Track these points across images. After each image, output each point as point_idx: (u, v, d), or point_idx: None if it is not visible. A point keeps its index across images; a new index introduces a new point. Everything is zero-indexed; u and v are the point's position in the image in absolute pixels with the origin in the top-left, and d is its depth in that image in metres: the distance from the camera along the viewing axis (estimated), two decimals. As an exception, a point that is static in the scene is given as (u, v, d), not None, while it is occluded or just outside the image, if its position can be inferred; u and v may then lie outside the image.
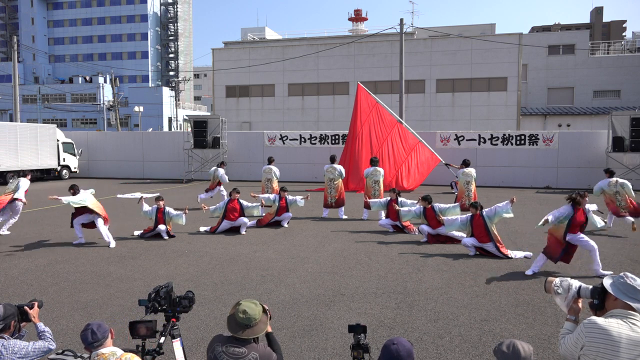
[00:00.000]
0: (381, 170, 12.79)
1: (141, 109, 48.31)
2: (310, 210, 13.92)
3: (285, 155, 22.34)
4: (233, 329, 2.77)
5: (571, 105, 36.02)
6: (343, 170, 13.23)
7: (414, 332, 5.18)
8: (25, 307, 3.23)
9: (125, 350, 2.85)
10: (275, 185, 13.35)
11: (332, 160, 13.72)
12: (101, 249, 9.08)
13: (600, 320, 2.44)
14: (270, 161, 14.06)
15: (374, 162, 12.87)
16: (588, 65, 36.09)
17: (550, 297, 6.22)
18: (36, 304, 3.30)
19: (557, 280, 2.78)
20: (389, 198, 10.93)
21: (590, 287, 2.65)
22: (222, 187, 14.41)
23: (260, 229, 11.13)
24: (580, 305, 2.69)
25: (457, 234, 9.48)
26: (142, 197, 10.43)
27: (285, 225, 11.38)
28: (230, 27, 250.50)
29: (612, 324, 2.39)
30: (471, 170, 12.39)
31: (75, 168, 25.36)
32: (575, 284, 2.70)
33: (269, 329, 3.03)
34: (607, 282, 2.54)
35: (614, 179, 10.56)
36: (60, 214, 13.37)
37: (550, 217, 7.18)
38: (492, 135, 20.95)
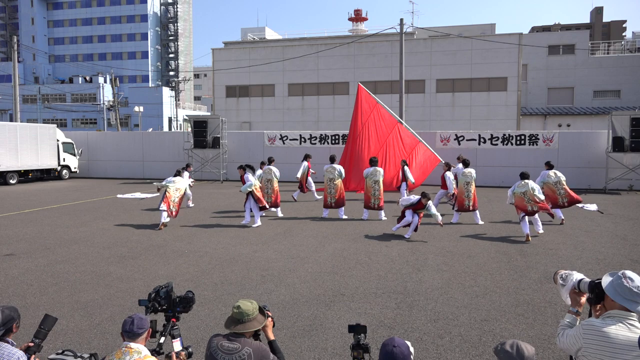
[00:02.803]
0: (381, 170, 12.78)
1: (141, 109, 48.27)
2: (310, 210, 13.93)
3: (285, 155, 22.33)
4: (227, 325, 2.90)
5: (571, 105, 36.00)
6: (343, 170, 13.23)
7: (414, 332, 5.18)
8: None
9: (151, 352, 2.88)
10: (276, 185, 13.34)
11: (332, 160, 13.69)
12: (101, 249, 9.08)
13: (598, 322, 2.43)
14: (270, 161, 14.05)
15: (373, 162, 12.86)
16: (588, 65, 36.06)
17: (550, 297, 6.23)
18: (34, 357, 3.04)
19: (562, 272, 2.80)
20: (418, 197, 10.38)
21: (589, 281, 2.64)
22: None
23: (260, 229, 11.12)
24: (583, 299, 2.68)
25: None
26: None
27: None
28: (230, 27, 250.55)
29: (610, 326, 2.38)
30: (471, 171, 12.37)
31: (75, 168, 25.35)
32: (577, 276, 2.70)
33: (272, 337, 3.05)
34: (605, 281, 2.51)
35: None
36: (60, 214, 13.37)
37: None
38: (492, 135, 20.95)
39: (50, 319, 3.12)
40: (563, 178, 11.96)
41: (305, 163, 15.81)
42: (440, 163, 17.00)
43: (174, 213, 11.35)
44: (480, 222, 11.90)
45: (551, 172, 12.34)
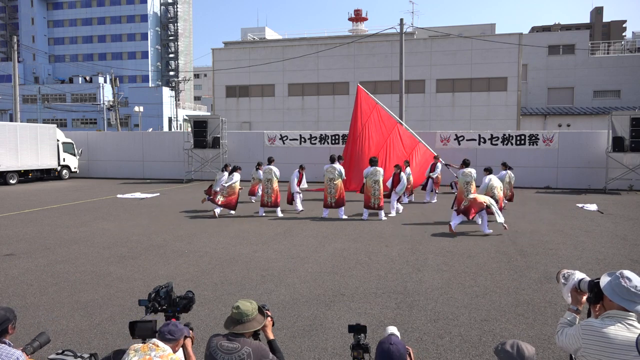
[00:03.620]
0: (381, 170, 12.79)
1: (141, 109, 48.26)
2: (310, 210, 13.92)
3: (285, 155, 22.33)
4: (227, 325, 2.91)
5: (571, 105, 36.00)
6: (343, 170, 13.23)
7: (414, 332, 5.17)
8: None
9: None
10: (275, 185, 13.34)
11: (332, 160, 13.69)
12: (101, 249, 9.08)
13: (596, 322, 2.42)
14: (270, 161, 14.05)
15: (373, 162, 12.86)
16: (588, 65, 36.07)
17: (550, 297, 6.23)
18: (27, 356, 3.07)
19: (565, 271, 2.80)
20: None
21: (589, 280, 2.64)
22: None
23: (260, 229, 11.13)
24: (583, 298, 2.68)
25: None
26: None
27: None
28: (230, 27, 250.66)
29: (609, 327, 2.37)
30: (471, 171, 12.35)
31: (75, 168, 25.36)
32: (579, 276, 2.70)
33: (271, 336, 3.05)
34: (603, 281, 2.50)
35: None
36: (60, 214, 13.37)
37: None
38: (492, 135, 20.95)
39: (45, 336, 3.26)
40: (499, 184, 12.15)
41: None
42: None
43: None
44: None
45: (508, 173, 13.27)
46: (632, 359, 2.30)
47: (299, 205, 13.78)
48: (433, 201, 15.95)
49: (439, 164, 16.36)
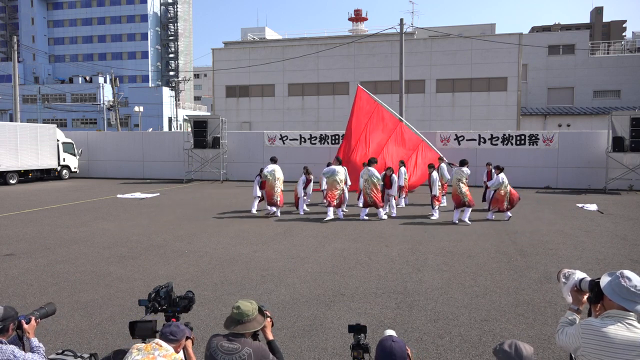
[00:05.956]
0: (376, 172, 12.81)
1: (141, 109, 48.25)
2: (310, 211, 13.91)
3: (285, 155, 22.31)
4: (227, 325, 2.90)
5: (571, 105, 35.99)
6: (346, 172, 13.23)
7: (414, 332, 5.18)
8: (22, 321, 3.07)
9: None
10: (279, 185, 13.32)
11: (339, 162, 13.64)
12: (101, 249, 9.08)
13: (596, 322, 2.43)
14: (273, 161, 14.00)
15: (372, 163, 12.88)
16: (588, 65, 36.05)
17: (550, 297, 6.23)
18: (33, 318, 3.13)
19: (566, 271, 2.81)
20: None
21: (589, 280, 2.65)
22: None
23: (260, 229, 11.13)
24: (584, 298, 2.68)
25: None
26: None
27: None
28: (230, 27, 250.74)
29: (609, 326, 2.37)
30: (463, 169, 12.36)
31: (75, 168, 25.35)
32: (580, 275, 2.70)
33: (271, 337, 3.05)
34: (603, 281, 2.51)
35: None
36: (60, 214, 13.37)
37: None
38: (492, 135, 20.95)
39: (52, 306, 3.35)
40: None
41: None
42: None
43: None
44: (465, 220, 11.93)
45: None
46: (632, 358, 2.31)
47: (301, 210, 13.67)
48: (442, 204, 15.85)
49: (443, 165, 15.46)
